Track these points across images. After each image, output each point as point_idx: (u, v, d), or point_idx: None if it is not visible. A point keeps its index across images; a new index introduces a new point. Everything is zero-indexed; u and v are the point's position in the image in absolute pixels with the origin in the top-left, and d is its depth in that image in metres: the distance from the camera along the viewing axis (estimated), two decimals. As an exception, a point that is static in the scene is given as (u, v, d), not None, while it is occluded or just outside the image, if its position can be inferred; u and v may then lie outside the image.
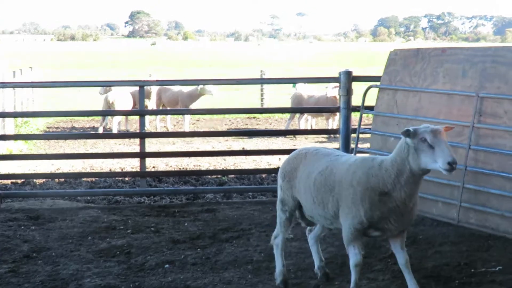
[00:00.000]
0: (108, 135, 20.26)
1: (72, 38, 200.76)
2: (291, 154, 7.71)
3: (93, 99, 25.79)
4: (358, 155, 7.21)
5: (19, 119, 22.68)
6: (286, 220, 7.33)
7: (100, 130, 22.76)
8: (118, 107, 22.17)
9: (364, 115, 11.69)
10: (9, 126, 20.55)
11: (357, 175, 6.56)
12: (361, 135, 11.84)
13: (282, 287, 7.07)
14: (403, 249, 6.72)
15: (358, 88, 11.92)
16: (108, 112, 21.70)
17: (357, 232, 6.54)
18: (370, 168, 6.55)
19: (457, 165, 6.00)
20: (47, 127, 24.74)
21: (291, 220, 7.42)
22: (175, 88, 24.80)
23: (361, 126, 11.80)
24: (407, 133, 6.27)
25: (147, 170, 13.32)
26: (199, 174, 14.22)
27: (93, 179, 13.92)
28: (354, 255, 6.57)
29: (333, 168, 6.87)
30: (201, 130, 23.14)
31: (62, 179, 13.65)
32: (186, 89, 24.50)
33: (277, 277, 7.14)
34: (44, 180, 13.77)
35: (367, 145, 12.01)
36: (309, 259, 8.34)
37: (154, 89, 23.88)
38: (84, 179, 13.83)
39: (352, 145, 11.75)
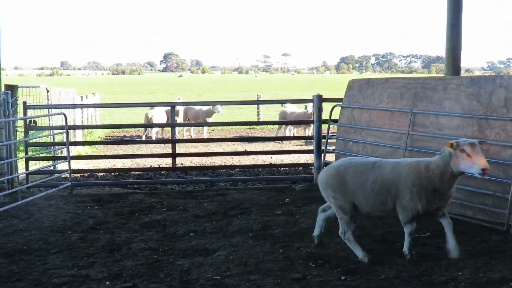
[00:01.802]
0: (149, 141, 20.23)
1: (123, 72, 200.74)
2: (329, 170, 7.28)
3: (137, 116, 25.79)
4: (393, 160, 6.94)
5: (86, 130, 22.67)
6: (350, 220, 7.00)
7: (143, 137, 22.85)
8: (155, 121, 22.29)
9: (331, 126, 11.69)
10: (79, 135, 20.58)
11: (410, 179, 6.60)
12: (329, 140, 11.87)
13: (367, 261, 6.74)
14: (445, 217, 6.78)
15: (326, 107, 11.91)
16: (149, 125, 21.74)
17: (412, 217, 6.66)
18: (420, 172, 6.59)
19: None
20: (105, 136, 24.73)
21: (353, 219, 7.13)
22: (197, 107, 24.90)
23: (329, 134, 11.81)
24: (451, 145, 6.32)
25: (177, 166, 13.34)
26: (214, 168, 14.20)
27: (139, 172, 13.91)
28: (410, 227, 6.70)
29: (383, 176, 6.80)
30: (215, 137, 23.11)
31: (117, 173, 13.64)
32: (204, 108, 24.60)
33: (363, 258, 6.78)
34: (103, 173, 13.75)
35: (333, 147, 12.00)
36: (293, 228, 8.35)
37: (181, 109, 23.98)
38: (132, 172, 13.82)
39: (323, 147, 11.76)
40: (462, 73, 12.83)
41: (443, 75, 11.93)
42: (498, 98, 8.82)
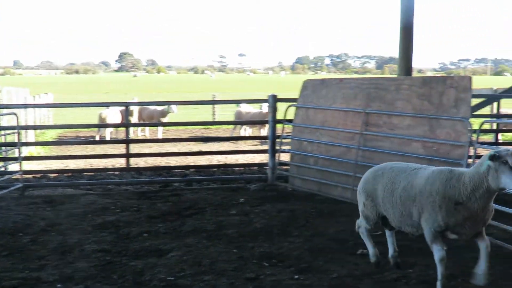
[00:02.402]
0: (103, 141, 20.00)
1: (77, 72, 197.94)
2: (369, 174, 6.63)
3: (91, 116, 25.46)
4: (433, 167, 6.07)
5: (38, 130, 22.32)
6: (369, 229, 6.57)
7: (97, 138, 22.60)
8: (109, 121, 22.05)
9: (285, 126, 11.75)
10: (31, 136, 20.23)
11: (436, 185, 5.68)
12: (283, 140, 11.92)
13: (374, 261, 6.48)
14: (483, 238, 5.79)
15: (281, 107, 11.96)
16: (102, 125, 21.49)
17: (437, 234, 5.68)
18: (448, 180, 5.63)
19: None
20: (58, 136, 24.37)
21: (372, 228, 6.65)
22: (151, 107, 24.72)
23: (283, 134, 11.86)
24: (493, 157, 5.23)
25: (131, 166, 13.24)
26: (168, 168, 14.12)
27: (92, 173, 13.74)
28: (438, 251, 5.69)
29: (413, 182, 5.97)
30: (170, 137, 22.95)
31: (70, 174, 13.45)
32: (159, 108, 24.44)
33: (372, 257, 6.51)
34: (56, 174, 13.54)
35: (288, 146, 12.04)
36: (247, 228, 8.36)
37: (136, 109, 23.79)
38: (85, 173, 13.64)
39: (277, 147, 11.80)
40: (414, 74, 13.03)
41: (396, 76, 12.10)
42: (448, 99, 9.00)
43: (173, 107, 24.09)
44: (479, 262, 5.84)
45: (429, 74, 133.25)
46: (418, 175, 6.00)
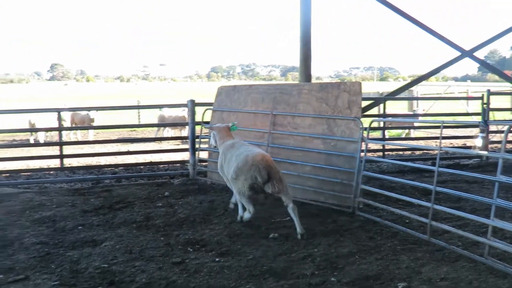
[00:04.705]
0: (37, 144, 19.28)
1: (11, 81, 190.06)
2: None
3: (24, 122, 24.51)
4: None
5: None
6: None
7: (31, 141, 21.90)
8: (40, 126, 21.41)
9: (203, 127, 11.71)
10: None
11: None
12: (202, 140, 11.88)
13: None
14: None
15: (199, 110, 11.91)
16: (37, 129, 20.76)
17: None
18: None
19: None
20: (-4, 140, 23.38)
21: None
22: (83, 113, 24.14)
23: (202, 134, 11.82)
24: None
25: (65, 166, 12.85)
26: (99, 167, 13.78)
27: (29, 173, 13.23)
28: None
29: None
30: (100, 139, 22.41)
31: (7, 174, 12.90)
32: (90, 114, 23.90)
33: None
34: (-6, 175, 12.97)
35: (206, 145, 11.99)
36: (173, 218, 8.28)
37: (68, 114, 23.22)
38: (23, 173, 13.13)
39: (197, 146, 11.75)
40: (313, 80, 13.24)
41: (297, 82, 12.27)
42: (342, 101, 9.21)
43: (90, 113, 23.66)
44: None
45: (326, 80, 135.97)
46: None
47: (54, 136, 22.75)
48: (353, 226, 7.67)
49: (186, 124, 12.29)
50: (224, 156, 7.98)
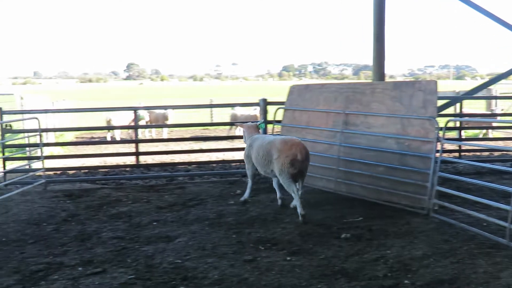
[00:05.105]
0: (115, 141, 19.90)
1: (90, 80, 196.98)
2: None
3: (104, 120, 25.37)
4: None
5: (58, 132, 22.23)
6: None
7: (108, 138, 22.61)
8: (114, 123, 22.14)
9: (275, 126, 11.73)
10: (51, 137, 20.14)
11: None
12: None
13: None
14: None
15: (271, 109, 11.95)
16: (113, 127, 21.39)
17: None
18: None
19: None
20: (75, 138, 24.31)
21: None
22: (157, 111, 24.70)
23: (274, 133, 11.84)
24: None
25: (140, 163, 13.19)
26: (173, 165, 14.07)
27: (106, 169, 13.68)
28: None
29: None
30: (174, 137, 22.89)
31: (86, 170, 13.39)
32: (165, 112, 24.44)
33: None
34: (74, 171, 13.50)
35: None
36: (244, 216, 8.35)
37: (145, 112, 23.88)
38: (100, 170, 13.59)
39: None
40: (387, 79, 13.02)
41: (370, 80, 12.09)
42: (417, 100, 8.99)
43: (169, 111, 24.23)
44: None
45: (400, 79, 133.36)
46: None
47: (130, 134, 23.41)
48: (428, 228, 7.48)
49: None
50: (251, 147, 9.04)
